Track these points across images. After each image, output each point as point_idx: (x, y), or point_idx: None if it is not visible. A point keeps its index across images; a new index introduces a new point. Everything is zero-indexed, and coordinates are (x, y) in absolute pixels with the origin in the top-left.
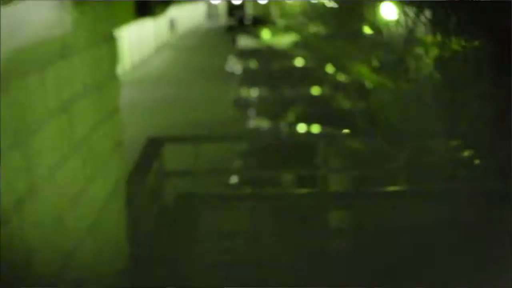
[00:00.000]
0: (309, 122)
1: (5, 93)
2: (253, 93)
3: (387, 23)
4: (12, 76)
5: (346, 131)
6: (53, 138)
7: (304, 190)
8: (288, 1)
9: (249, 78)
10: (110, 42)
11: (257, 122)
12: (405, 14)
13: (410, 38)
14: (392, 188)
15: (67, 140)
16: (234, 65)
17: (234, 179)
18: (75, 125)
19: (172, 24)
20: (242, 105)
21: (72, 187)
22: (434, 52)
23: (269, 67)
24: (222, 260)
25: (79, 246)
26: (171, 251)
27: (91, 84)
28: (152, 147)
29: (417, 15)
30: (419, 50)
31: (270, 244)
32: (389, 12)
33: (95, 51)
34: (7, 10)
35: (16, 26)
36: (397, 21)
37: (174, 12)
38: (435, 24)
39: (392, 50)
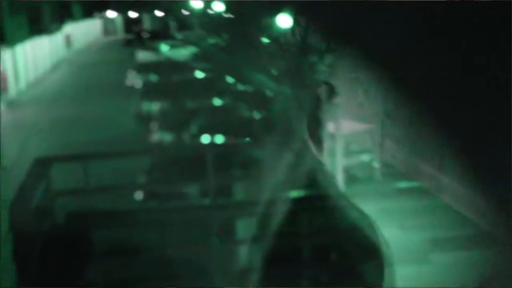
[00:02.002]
0: (212, 133)
1: None
2: (155, 106)
3: (283, 33)
4: None
5: (248, 140)
6: None
7: (208, 201)
8: (185, 14)
9: (150, 92)
10: None
11: (160, 136)
12: (299, 24)
13: (304, 47)
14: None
15: None
16: (134, 80)
17: (139, 195)
18: None
19: (68, 40)
20: (144, 119)
21: None
22: (328, 59)
23: (170, 80)
24: (118, 276)
25: None
26: (62, 269)
27: None
28: (39, 168)
29: (310, 24)
30: (314, 58)
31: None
32: (284, 22)
33: None
34: None
35: None
36: (292, 31)
37: (70, 28)
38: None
39: (288, 58)
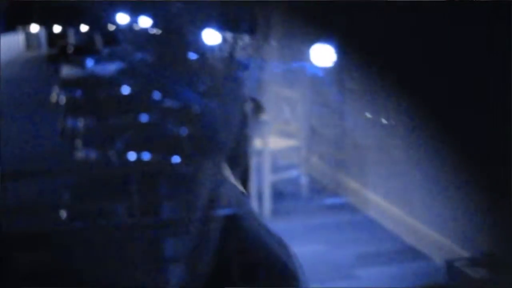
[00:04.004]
0: (138, 150)
1: None
2: (79, 123)
3: (210, 48)
4: None
5: (175, 157)
6: None
7: (135, 220)
8: (111, 28)
9: (74, 108)
10: None
11: (85, 153)
12: (225, 40)
13: (231, 62)
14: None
15: None
16: (58, 95)
17: (63, 215)
18: None
19: None
20: (69, 136)
21: None
22: (255, 75)
23: (95, 96)
24: None
25: None
26: None
27: None
28: None
29: (236, 40)
30: (240, 73)
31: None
32: (211, 38)
33: None
34: None
35: None
36: (219, 46)
37: None
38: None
39: (216, 74)
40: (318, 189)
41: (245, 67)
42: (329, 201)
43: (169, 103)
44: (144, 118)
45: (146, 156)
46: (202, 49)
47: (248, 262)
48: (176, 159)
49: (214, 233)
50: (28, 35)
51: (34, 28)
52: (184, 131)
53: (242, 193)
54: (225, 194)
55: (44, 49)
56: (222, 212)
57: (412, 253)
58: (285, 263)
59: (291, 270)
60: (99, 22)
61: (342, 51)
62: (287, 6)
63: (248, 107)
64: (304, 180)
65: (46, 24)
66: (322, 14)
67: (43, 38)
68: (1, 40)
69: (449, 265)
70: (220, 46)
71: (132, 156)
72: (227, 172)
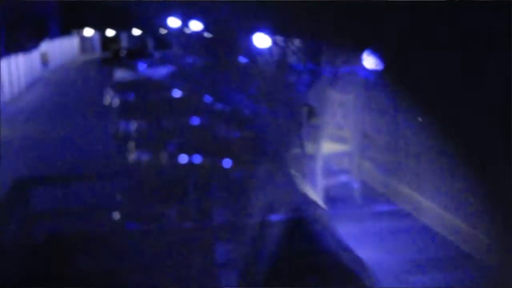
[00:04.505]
0: (190, 153)
1: None
2: (132, 125)
3: (261, 53)
4: None
5: (227, 160)
6: None
7: (187, 224)
8: (163, 32)
9: (127, 111)
10: None
11: (138, 155)
12: (276, 43)
13: (282, 66)
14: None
15: None
16: (111, 98)
17: (115, 215)
18: None
19: (44, 59)
20: (121, 138)
21: None
22: (307, 79)
23: (147, 99)
24: None
25: None
26: None
27: None
28: (18, 190)
29: (287, 44)
30: (292, 77)
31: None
32: (261, 42)
33: None
34: None
35: None
36: (270, 51)
37: (46, 46)
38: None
39: (267, 78)
40: (370, 194)
41: (297, 71)
42: (381, 207)
43: (220, 106)
44: (195, 121)
45: (198, 159)
46: (253, 53)
47: (310, 266)
48: (227, 162)
49: (271, 237)
50: (83, 39)
51: (89, 32)
52: (235, 134)
53: (307, 197)
54: (284, 198)
55: (98, 53)
56: (281, 216)
57: (466, 260)
58: (348, 267)
59: (355, 274)
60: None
61: (389, 54)
62: (338, 10)
63: (301, 112)
64: (356, 185)
65: (100, 28)
66: (372, 18)
67: (97, 41)
68: (57, 44)
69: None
70: (271, 50)
71: (183, 159)
72: (284, 177)
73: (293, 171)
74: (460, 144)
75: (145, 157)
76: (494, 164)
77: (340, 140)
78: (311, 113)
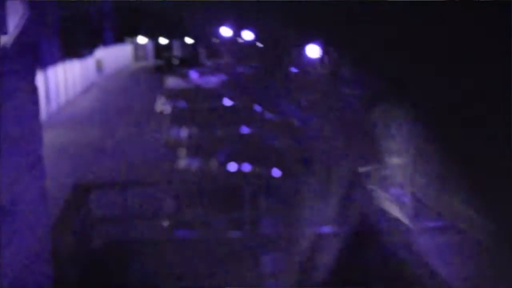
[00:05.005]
0: (239, 161)
1: None
2: (183, 133)
3: (312, 63)
4: None
5: (276, 169)
6: None
7: (236, 233)
8: (215, 41)
9: (178, 118)
10: (32, 92)
11: (187, 162)
12: (328, 54)
13: (334, 77)
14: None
15: None
16: (163, 105)
17: (166, 222)
18: None
19: (99, 65)
20: (172, 145)
21: None
22: (359, 90)
23: (198, 107)
24: None
25: None
26: None
27: (13, 135)
28: (79, 194)
29: (340, 55)
30: (343, 88)
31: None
32: (313, 52)
33: (17, 102)
34: None
35: None
36: (322, 61)
37: (101, 53)
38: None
39: (317, 88)
40: (422, 209)
41: (347, 82)
42: (433, 222)
43: (270, 116)
44: (245, 130)
45: (247, 168)
46: (304, 64)
47: (380, 277)
48: (276, 172)
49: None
50: (136, 47)
51: (142, 40)
52: (284, 144)
53: (369, 209)
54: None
55: (151, 60)
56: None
57: None
58: (421, 279)
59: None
60: (203, 35)
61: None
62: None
63: (351, 123)
64: (407, 199)
65: (154, 36)
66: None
67: (150, 49)
68: (111, 51)
69: None
70: (322, 61)
71: (233, 167)
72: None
73: (344, 183)
74: None
75: (196, 165)
76: None
77: (393, 152)
78: (360, 123)
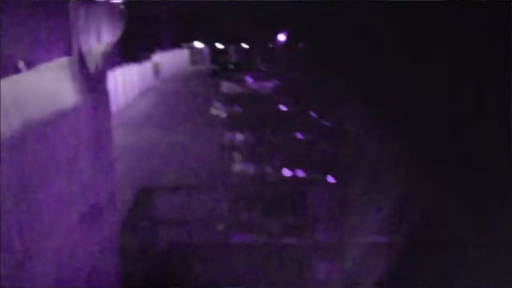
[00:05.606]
0: (293, 167)
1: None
2: (238, 137)
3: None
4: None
5: (330, 176)
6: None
7: (290, 240)
8: (271, 47)
9: (233, 122)
10: (104, 98)
11: (243, 166)
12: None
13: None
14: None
15: (67, 196)
16: (219, 109)
17: (221, 227)
18: (73, 182)
19: (156, 69)
20: (227, 149)
21: (68, 242)
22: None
23: (253, 112)
24: None
25: None
26: None
27: (88, 140)
28: (144, 197)
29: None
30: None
31: None
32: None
33: (90, 110)
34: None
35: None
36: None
37: (158, 57)
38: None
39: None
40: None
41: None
42: None
43: (325, 122)
44: (300, 135)
45: (301, 173)
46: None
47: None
48: (331, 178)
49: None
50: (193, 51)
51: (199, 44)
52: (339, 151)
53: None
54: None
55: (207, 65)
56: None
57: None
58: None
59: None
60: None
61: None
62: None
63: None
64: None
65: (210, 41)
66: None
67: (206, 54)
68: (168, 55)
69: None
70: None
71: (287, 172)
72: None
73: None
74: None
75: (250, 169)
76: None
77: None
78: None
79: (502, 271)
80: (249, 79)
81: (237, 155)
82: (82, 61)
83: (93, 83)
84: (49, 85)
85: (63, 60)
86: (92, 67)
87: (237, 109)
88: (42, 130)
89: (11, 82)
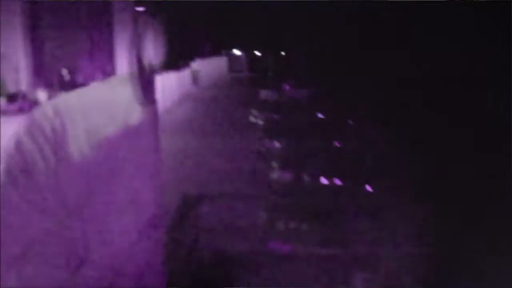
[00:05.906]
0: (331, 176)
1: None
2: (276, 144)
3: None
4: None
5: (369, 186)
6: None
7: (328, 250)
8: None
9: (271, 130)
10: (156, 108)
11: (280, 174)
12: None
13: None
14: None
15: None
16: (257, 117)
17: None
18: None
19: (194, 76)
20: (265, 156)
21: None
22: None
23: (291, 119)
24: None
25: None
26: None
27: (147, 152)
28: (188, 204)
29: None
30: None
31: None
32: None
33: (138, 115)
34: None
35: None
36: None
37: (196, 64)
38: None
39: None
40: None
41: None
42: None
43: (362, 129)
44: (338, 143)
45: (338, 182)
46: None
47: None
48: (368, 188)
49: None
50: (231, 59)
51: (237, 52)
52: (377, 160)
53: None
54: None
55: (245, 72)
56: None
57: None
58: None
59: None
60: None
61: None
62: None
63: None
64: None
65: (248, 49)
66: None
67: (245, 61)
68: (207, 63)
69: None
70: None
71: (324, 181)
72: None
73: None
74: None
75: (287, 177)
76: None
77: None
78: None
79: None
80: (286, 87)
81: (274, 162)
82: (142, 72)
83: (150, 94)
84: (116, 97)
85: (128, 72)
86: (149, 78)
87: (275, 116)
88: (107, 142)
89: (79, 93)
